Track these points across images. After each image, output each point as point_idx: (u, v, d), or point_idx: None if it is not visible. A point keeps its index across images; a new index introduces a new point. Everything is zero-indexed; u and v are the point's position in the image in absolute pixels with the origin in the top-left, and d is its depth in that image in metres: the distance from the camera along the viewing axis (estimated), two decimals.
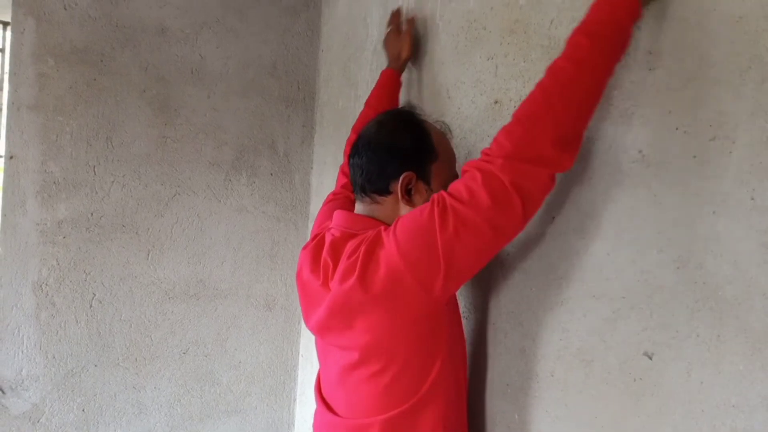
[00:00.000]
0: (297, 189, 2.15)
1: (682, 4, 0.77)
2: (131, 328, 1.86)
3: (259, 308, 2.08)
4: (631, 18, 0.78)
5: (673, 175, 0.77)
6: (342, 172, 1.40)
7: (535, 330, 0.99)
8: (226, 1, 1.96)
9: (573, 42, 0.80)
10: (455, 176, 0.97)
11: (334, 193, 1.33)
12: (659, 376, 0.78)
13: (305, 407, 2.09)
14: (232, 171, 2.01)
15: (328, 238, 1.00)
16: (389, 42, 1.47)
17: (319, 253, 1.00)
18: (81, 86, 1.75)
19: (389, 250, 0.85)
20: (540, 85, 0.81)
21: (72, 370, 1.78)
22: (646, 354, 0.79)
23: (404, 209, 0.97)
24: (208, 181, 1.96)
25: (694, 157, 0.74)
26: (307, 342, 2.12)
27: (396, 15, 1.49)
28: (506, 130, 0.82)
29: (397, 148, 0.98)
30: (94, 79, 1.76)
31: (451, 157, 1.05)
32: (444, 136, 1.05)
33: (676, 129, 0.77)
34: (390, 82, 1.42)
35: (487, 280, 1.12)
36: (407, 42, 1.40)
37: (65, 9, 1.72)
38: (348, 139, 1.43)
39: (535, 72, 1.01)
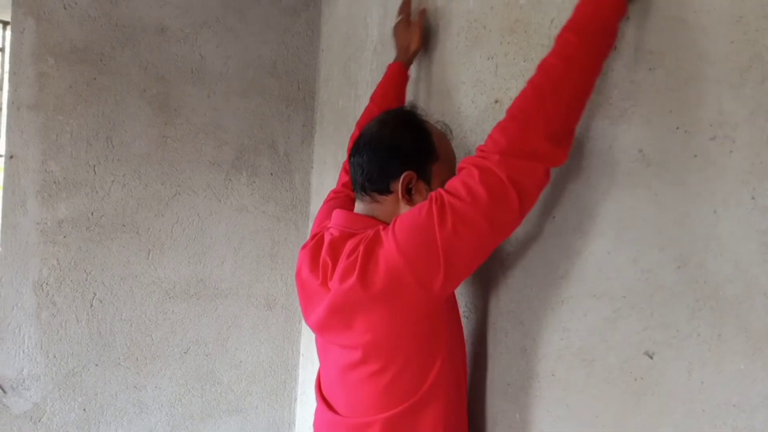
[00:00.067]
0: (297, 189, 2.15)
1: (682, 3, 0.77)
2: (132, 327, 1.86)
3: (259, 308, 2.09)
4: (617, 15, 0.81)
5: (674, 174, 0.77)
6: (344, 169, 1.39)
7: (535, 329, 0.99)
8: (226, 1, 1.96)
9: (562, 39, 0.82)
10: None
11: (335, 192, 1.33)
12: (660, 375, 0.78)
13: (306, 407, 2.09)
14: (232, 171, 2.01)
15: (327, 238, 1.00)
16: (398, 32, 1.42)
17: (318, 253, 1.00)
18: (81, 86, 1.75)
19: (388, 249, 0.85)
20: (531, 82, 0.83)
21: (73, 370, 1.78)
22: (647, 353, 0.79)
23: (404, 209, 0.97)
24: (209, 181, 1.96)
25: (695, 156, 0.74)
26: (308, 341, 2.12)
27: (407, 3, 1.44)
28: (501, 127, 0.83)
29: (398, 148, 0.98)
30: (94, 79, 1.76)
31: (452, 159, 1.05)
32: (445, 137, 1.05)
33: (677, 128, 0.77)
34: (396, 76, 1.38)
35: (487, 280, 1.12)
36: (417, 34, 1.35)
37: (65, 8, 1.72)
38: (351, 136, 1.41)
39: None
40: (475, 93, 1.18)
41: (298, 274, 1.06)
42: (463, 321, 1.13)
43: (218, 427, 2.04)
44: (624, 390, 0.83)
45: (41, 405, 1.75)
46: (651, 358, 0.79)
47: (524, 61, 1.05)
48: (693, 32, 0.75)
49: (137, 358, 1.88)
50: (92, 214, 1.78)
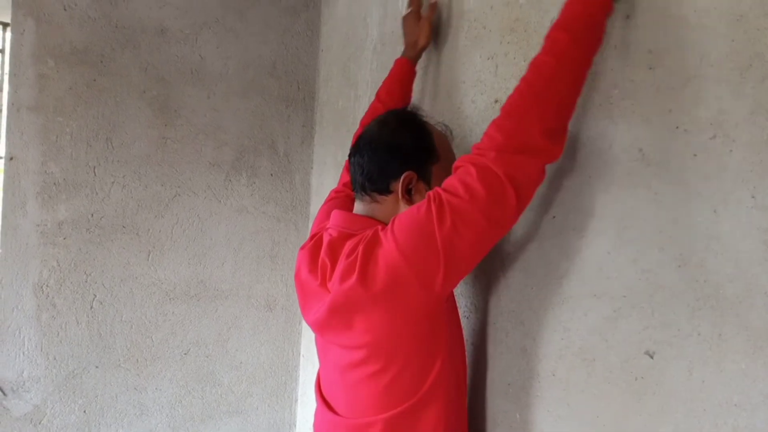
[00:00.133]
0: (297, 189, 2.15)
1: (682, 2, 0.77)
2: (132, 329, 1.86)
3: (259, 309, 2.08)
4: (604, 12, 0.83)
5: (674, 173, 0.77)
6: (346, 168, 1.37)
7: (536, 329, 0.99)
8: (226, 1, 1.96)
9: (552, 37, 0.84)
10: None
11: (335, 191, 1.33)
12: (661, 374, 0.77)
13: (307, 408, 2.09)
14: (232, 171, 2.01)
15: (325, 239, 1.00)
16: (407, 26, 1.36)
17: (317, 254, 1.00)
18: (81, 87, 1.75)
19: (388, 249, 0.85)
20: (525, 80, 0.84)
21: (73, 372, 1.78)
22: (647, 353, 0.79)
23: (404, 209, 0.96)
24: (209, 182, 1.96)
25: (695, 155, 0.74)
26: (308, 342, 2.12)
27: None
28: (496, 124, 0.85)
29: (398, 148, 0.98)
30: (94, 80, 1.77)
31: (452, 160, 1.05)
32: (445, 138, 1.06)
33: (677, 128, 0.77)
34: (402, 72, 1.34)
35: (487, 280, 1.12)
36: (426, 29, 1.32)
37: (65, 10, 1.72)
38: (355, 133, 1.40)
39: None
40: (475, 93, 1.18)
41: (297, 275, 1.06)
42: (463, 321, 1.13)
43: (219, 428, 2.03)
44: (625, 389, 0.83)
45: (41, 407, 1.75)
46: (652, 357, 0.79)
47: (524, 61, 1.05)
48: (693, 31, 0.75)
49: (137, 360, 1.88)
50: (92, 215, 1.78)
